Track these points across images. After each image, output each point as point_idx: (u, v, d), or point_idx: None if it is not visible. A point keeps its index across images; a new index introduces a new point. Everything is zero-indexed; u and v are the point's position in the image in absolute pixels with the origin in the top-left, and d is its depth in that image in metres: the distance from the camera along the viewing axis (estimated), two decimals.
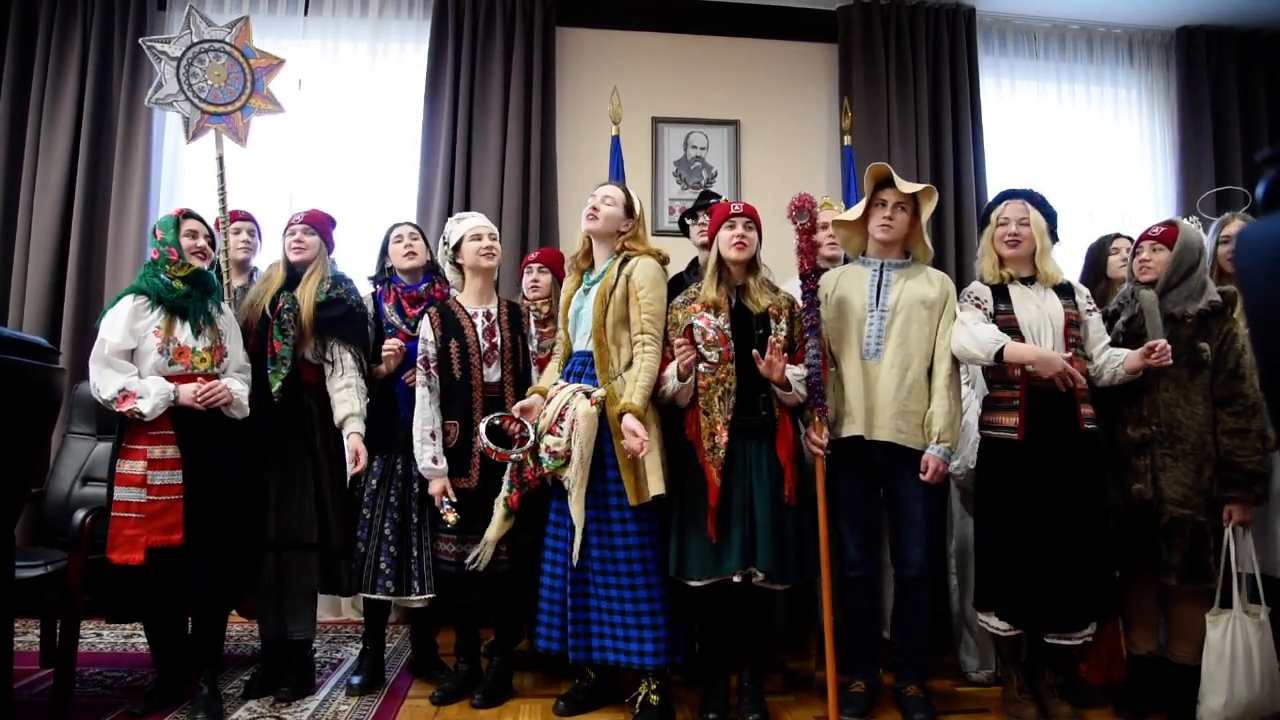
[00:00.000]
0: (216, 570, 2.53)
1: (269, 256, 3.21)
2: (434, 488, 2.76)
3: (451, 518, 2.72)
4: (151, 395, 2.44)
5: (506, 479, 2.63)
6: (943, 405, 2.63)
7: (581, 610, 2.60)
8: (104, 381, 2.48)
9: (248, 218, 3.31)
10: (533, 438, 2.58)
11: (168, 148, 4.29)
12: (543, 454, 2.55)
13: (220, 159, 3.10)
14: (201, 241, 2.66)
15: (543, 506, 2.70)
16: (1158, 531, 2.55)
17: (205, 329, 2.59)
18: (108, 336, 2.51)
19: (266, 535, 2.72)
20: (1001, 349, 2.55)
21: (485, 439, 2.56)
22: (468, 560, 2.64)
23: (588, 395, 2.57)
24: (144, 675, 2.96)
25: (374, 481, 2.87)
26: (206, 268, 2.67)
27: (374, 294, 3.07)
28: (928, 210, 2.77)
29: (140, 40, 3.23)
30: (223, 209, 3.05)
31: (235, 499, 2.61)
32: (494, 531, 2.63)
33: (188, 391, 2.49)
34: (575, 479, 2.51)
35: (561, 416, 2.56)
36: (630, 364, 2.63)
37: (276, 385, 2.74)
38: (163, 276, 2.59)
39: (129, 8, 4.17)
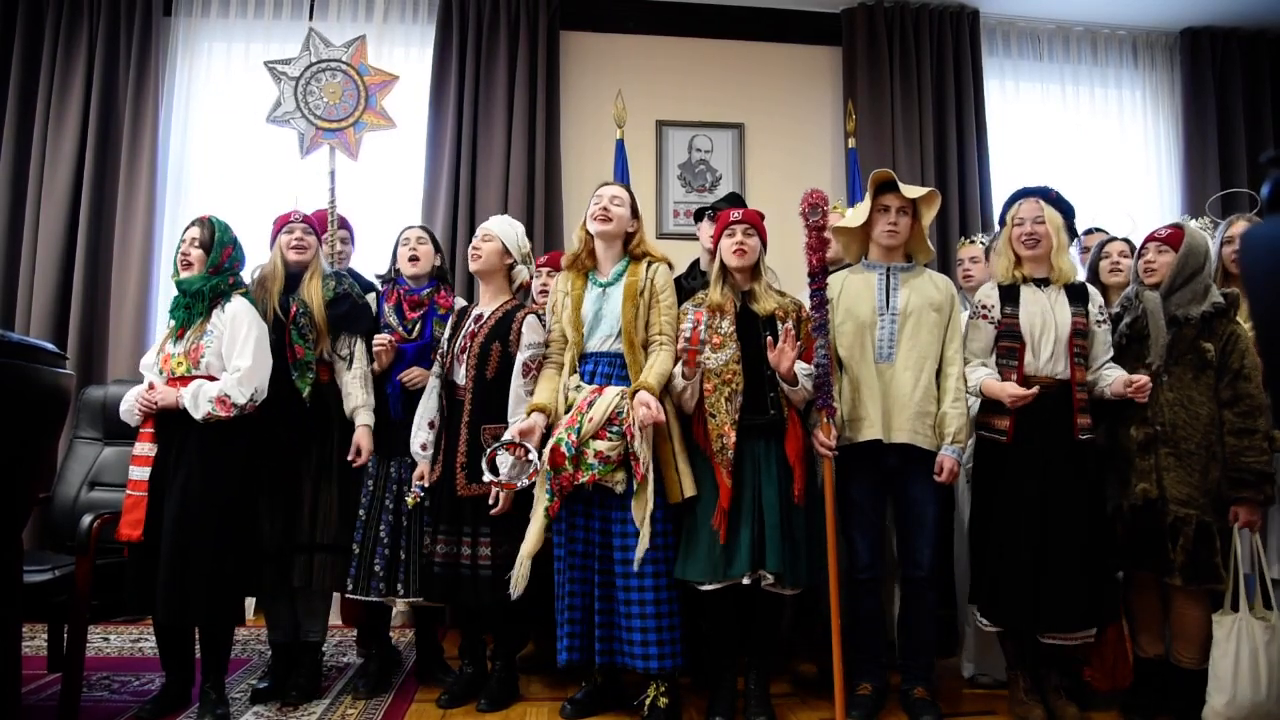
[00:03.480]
0: (169, 575, 2.47)
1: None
2: (415, 472, 2.83)
3: (410, 500, 2.79)
4: (122, 407, 2.66)
5: (545, 487, 2.56)
6: (956, 407, 2.66)
7: (603, 615, 2.59)
8: None
9: (343, 225, 3.34)
10: (537, 463, 2.55)
11: (173, 153, 4.32)
12: (590, 460, 2.52)
13: (332, 173, 3.23)
14: (185, 248, 2.69)
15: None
16: (1163, 531, 2.55)
17: (188, 333, 2.63)
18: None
19: (298, 538, 2.74)
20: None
21: (488, 473, 2.55)
22: (510, 590, 2.56)
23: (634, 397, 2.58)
24: (151, 679, 2.97)
25: (370, 483, 2.88)
26: (198, 271, 2.67)
27: (379, 294, 3.08)
28: (929, 216, 2.78)
29: (264, 62, 3.35)
30: (333, 221, 3.15)
31: (234, 502, 2.59)
32: (530, 545, 2.56)
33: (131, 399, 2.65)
34: (649, 480, 2.51)
35: (611, 420, 2.54)
36: None
37: (307, 390, 2.76)
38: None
39: (134, 14, 4.20)
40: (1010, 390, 2.56)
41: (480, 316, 2.86)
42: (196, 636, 2.70)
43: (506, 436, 2.62)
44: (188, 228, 2.74)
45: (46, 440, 2.19)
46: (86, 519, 2.55)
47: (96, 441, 3.20)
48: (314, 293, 2.83)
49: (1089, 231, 3.41)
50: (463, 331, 2.85)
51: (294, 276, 2.89)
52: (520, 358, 2.76)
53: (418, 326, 2.98)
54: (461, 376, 2.80)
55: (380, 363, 2.90)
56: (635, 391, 2.54)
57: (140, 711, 2.61)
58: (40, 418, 2.06)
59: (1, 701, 2.00)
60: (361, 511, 2.85)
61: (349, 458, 2.81)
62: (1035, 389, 2.56)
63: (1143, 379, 2.55)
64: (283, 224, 2.95)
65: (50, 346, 2.13)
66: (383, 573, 2.80)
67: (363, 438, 2.82)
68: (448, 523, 2.73)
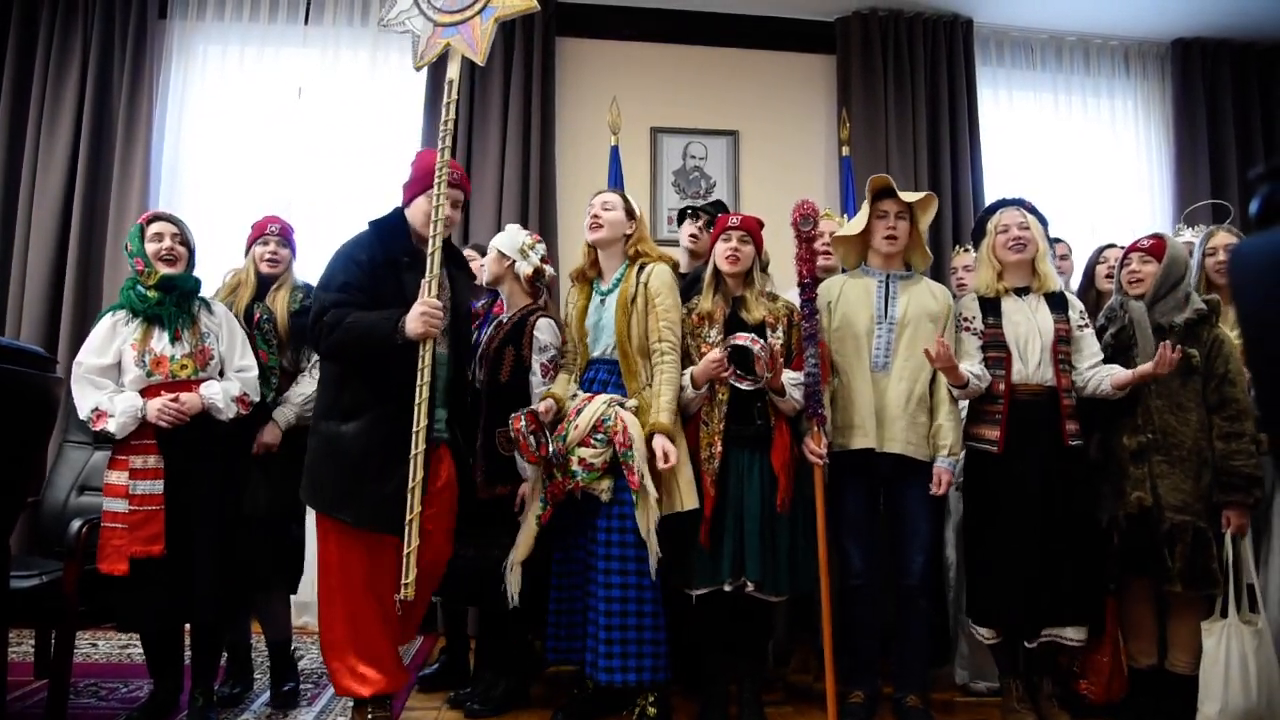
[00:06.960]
0: (208, 580, 2.48)
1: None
2: None
3: None
4: (118, 414, 2.42)
5: (540, 496, 2.59)
6: (950, 418, 2.67)
7: (592, 624, 2.58)
8: (81, 401, 2.47)
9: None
10: (549, 439, 2.55)
11: (167, 156, 4.29)
12: (575, 467, 2.52)
13: (450, 83, 2.58)
14: (169, 243, 2.58)
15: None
16: (1160, 539, 2.56)
17: (184, 335, 2.55)
18: (84, 357, 2.51)
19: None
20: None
21: (523, 432, 2.53)
22: (509, 598, 2.59)
23: (621, 405, 2.58)
24: (139, 686, 2.94)
25: None
26: (182, 269, 2.60)
27: None
28: (925, 220, 2.80)
29: None
30: (441, 167, 2.49)
31: (231, 507, 2.58)
32: (520, 552, 2.58)
33: (153, 407, 2.45)
34: (647, 488, 2.48)
35: (597, 429, 2.54)
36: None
37: (271, 395, 2.74)
38: (138, 288, 2.57)
39: (129, 17, 4.18)
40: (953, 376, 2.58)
41: (501, 323, 2.87)
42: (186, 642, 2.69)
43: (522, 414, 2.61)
44: (151, 221, 2.61)
45: (36, 444, 2.18)
46: (75, 524, 2.51)
47: (86, 446, 3.18)
48: (280, 302, 2.81)
49: (1108, 247, 3.37)
50: (485, 335, 2.87)
51: (264, 285, 2.87)
52: (538, 360, 2.76)
53: (473, 338, 2.99)
54: (482, 377, 2.81)
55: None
56: (650, 434, 2.52)
57: (128, 718, 2.58)
58: (29, 422, 2.05)
59: None
60: None
61: (256, 449, 2.71)
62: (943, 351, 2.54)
63: (1165, 347, 2.47)
64: (259, 233, 2.89)
65: (40, 350, 2.13)
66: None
67: (270, 431, 2.73)
68: (473, 525, 2.69)
